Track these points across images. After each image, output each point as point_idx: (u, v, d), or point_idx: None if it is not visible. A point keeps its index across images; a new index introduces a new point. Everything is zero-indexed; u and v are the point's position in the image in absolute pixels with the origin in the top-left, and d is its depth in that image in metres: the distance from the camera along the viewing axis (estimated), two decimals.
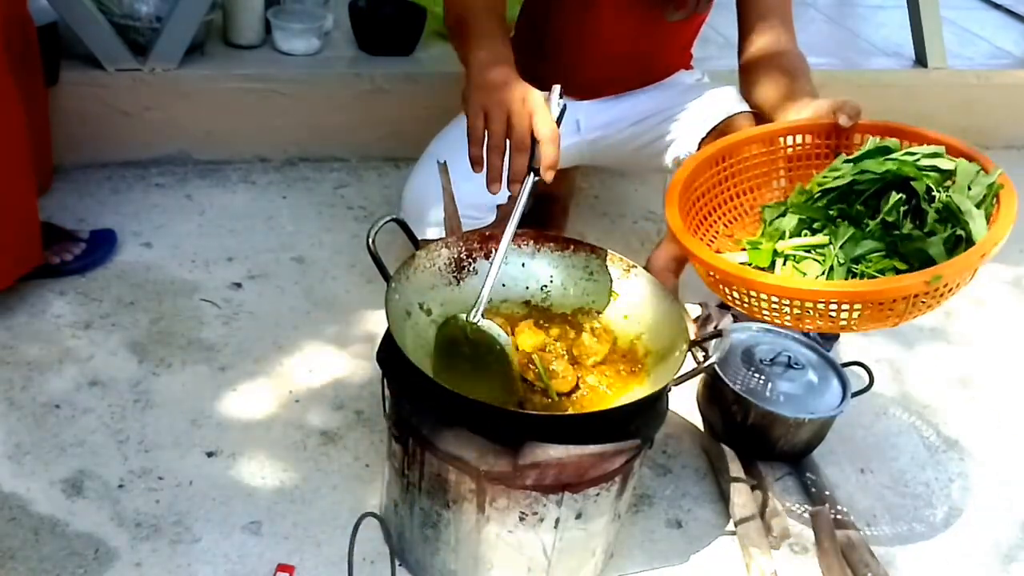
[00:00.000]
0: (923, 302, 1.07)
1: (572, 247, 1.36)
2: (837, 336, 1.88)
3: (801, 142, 1.32)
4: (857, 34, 3.08)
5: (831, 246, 1.16)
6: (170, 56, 2.12)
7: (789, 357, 1.58)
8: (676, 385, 1.18)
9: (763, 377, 1.56)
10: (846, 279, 1.13)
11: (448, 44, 2.45)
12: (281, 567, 1.30)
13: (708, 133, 1.59)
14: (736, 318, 1.77)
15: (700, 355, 1.69)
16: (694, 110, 1.66)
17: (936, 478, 1.66)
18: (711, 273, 1.16)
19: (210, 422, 1.54)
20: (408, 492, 1.25)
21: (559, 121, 1.16)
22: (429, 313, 1.28)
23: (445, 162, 1.35)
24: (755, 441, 1.56)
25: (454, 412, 1.15)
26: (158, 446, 1.48)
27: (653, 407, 1.22)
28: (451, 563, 1.27)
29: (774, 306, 1.11)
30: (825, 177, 1.25)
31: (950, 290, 1.08)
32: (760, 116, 1.53)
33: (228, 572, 1.30)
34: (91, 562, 1.28)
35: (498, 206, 1.64)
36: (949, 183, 1.16)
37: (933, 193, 1.14)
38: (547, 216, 2.08)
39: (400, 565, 1.32)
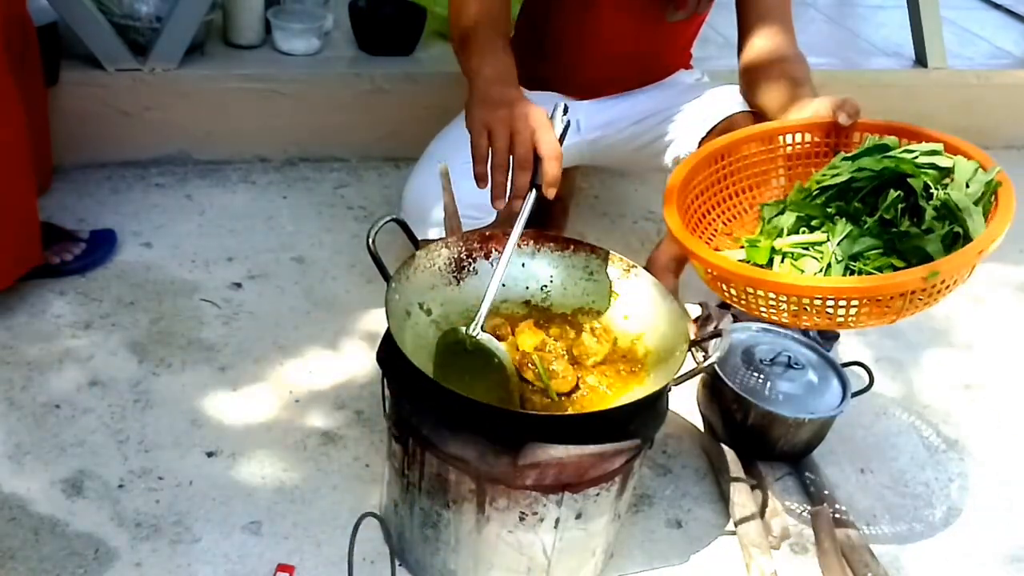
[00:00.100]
0: (920, 299, 1.07)
1: (572, 247, 1.36)
2: (837, 336, 1.88)
3: (800, 141, 1.32)
4: (857, 34, 3.08)
5: (829, 243, 1.16)
6: (170, 56, 2.12)
7: (789, 357, 1.58)
8: (676, 385, 1.18)
9: (763, 377, 1.56)
10: (844, 276, 1.13)
11: (448, 44, 2.47)
12: (281, 567, 1.30)
13: (708, 133, 1.59)
14: (736, 318, 1.77)
15: (700, 355, 1.70)
16: (694, 110, 1.66)
17: (936, 478, 1.66)
18: (709, 270, 1.16)
19: (210, 422, 1.54)
20: (408, 492, 1.25)
21: (562, 138, 1.17)
22: (429, 313, 1.28)
23: (446, 164, 1.35)
24: (755, 441, 1.56)
25: (454, 412, 1.15)
26: (158, 446, 1.48)
27: (653, 407, 1.22)
28: (451, 563, 1.27)
29: (772, 303, 1.11)
30: (823, 175, 1.25)
31: (948, 287, 1.08)
32: (760, 116, 1.52)
33: (228, 572, 1.30)
34: (91, 562, 1.28)
35: None
36: (947, 180, 1.16)
37: (931, 190, 1.14)
38: (547, 216, 2.08)
39: (400, 565, 1.32)
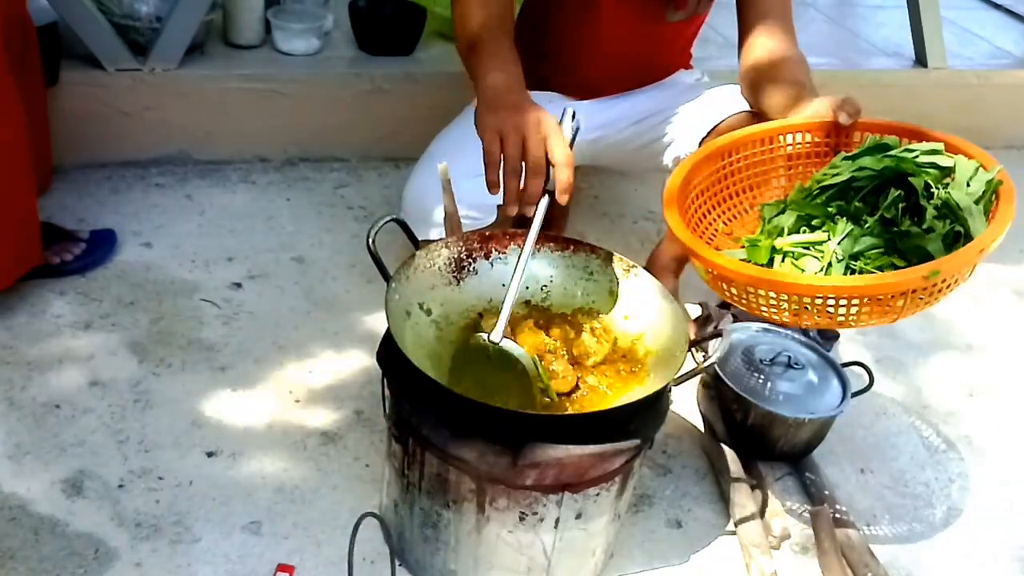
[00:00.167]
0: (921, 298, 1.07)
1: (572, 247, 1.36)
2: (837, 336, 1.88)
3: (801, 140, 1.32)
4: (857, 34, 3.08)
5: (830, 243, 1.16)
6: (170, 56, 2.12)
7: (789, 357, 1.58)
8: (676, 385, 1.18)
9: (763, 377, 1.56)
10: (844, 275, 1.13)
11: (448, 44, 2.48)
12: (281, 567, 1.30)
13: (708, 133, 1.59)
14: (736, 318, 1.77)
15: (700, 355, 1.70)
16: (694, 110, 1.66)
17: (936, 478, 1.66)
18: (710, 270, 1.16)
19: (210, 422, 1.54)
20: (408, 492, 1.25)
21: (572, 143, 1.18)
22: (429, 313, 1.28)
23: (446, 163, 1.35)
24: (755, 441, 1.56)
25: (454, 412, 1.15)
26: (158, 446, 1.48)
27: (653, 407, 1.22)
28: (451, 563, 1.27)
29: (772, 302, 1.11)
30: (824, 174, 1.25)
31: (948, 286, 1.08)
32: (760, 116, 1.52)
33: (228, 572, 1.30)
34: (91, 562, 1.28)
35: (498, 207, 1.64)
36: (948, 180, 1.16)
37: (932, 190, 1.14)
38: (547, 216, 2.08)
39: (400, 565, 1.32)
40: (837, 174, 1.22)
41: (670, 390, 1.20)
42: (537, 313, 1.35)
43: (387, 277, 1.22)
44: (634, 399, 1.18)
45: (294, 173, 2.28)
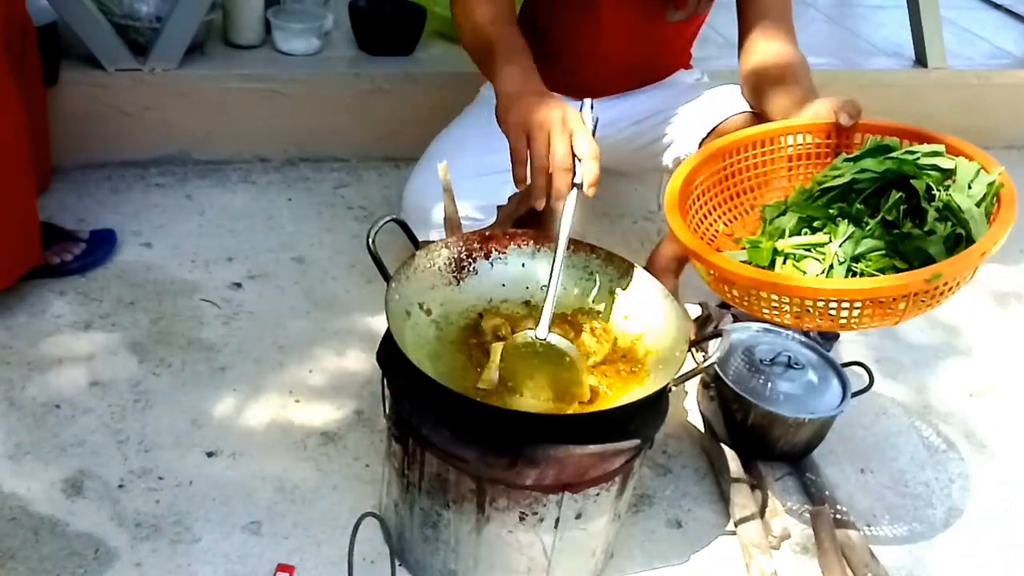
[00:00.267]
0: (923, 301, 1.07)
1: (572, 247, 1.36)
2: (837, 336, 1.88)
3: (802, 142, 1.32)
4: (857, 34, 3.08)
5: (831, 245, 1.16)
6: (170, 56, 2.12)
7: (789, 357, 1.58)
8: (676, 385, 1.18)
9: (763, 377, 1.56)
10: (846, 278, 1.13)
11: (448, 44, 2.48)
12: (281, 567, 1.30)
13: (708, 133, 1.59)
14: (736, 318, 1.77)
15: (700, 355, 1.70)
16: (694, 110, 1.66)
17: (936, 478, 1.66)
18: (711, 271, 1.16)
19: (210, 422, 1.54)
20: (408, 492, 1.25)
21: (593, 134, 1.18)
22: (429, 313, 1.28)
23: (446, 162, 1.35)
24: (755, 441, 1.56)
25: (454, 412, 1.15)
26: (158, 446, 1.48)
27: (653, 407, 1.22)
28: (451, 563, 1.27)
29: (774, 304, 1.11)
30: (825, 176, 1.25)
31: (950, 289, 1.08)
32: (760, 116, 1.52)
33: (228, 572, 1.30)
34: (91, 562, 1.28)
35: (498, 207, 1.64)
36: (949, 182, 1.16)
37: (933, 192, 1.14)
38: (547, 216, 2.08)
39: (400, 565, 1.32)
40: (838, 176, 1.21)
41: (670, 390, 1.20)
42: (537, 313, 1.35)
43: (387, 277, 1.22)
44: (634, 399, 1.18)
45: (294, 173, 2.28)
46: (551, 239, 1.37)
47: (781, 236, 1.21)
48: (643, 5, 1.63)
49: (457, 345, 1.27)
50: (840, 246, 1.15)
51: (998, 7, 3.58)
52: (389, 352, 1.20)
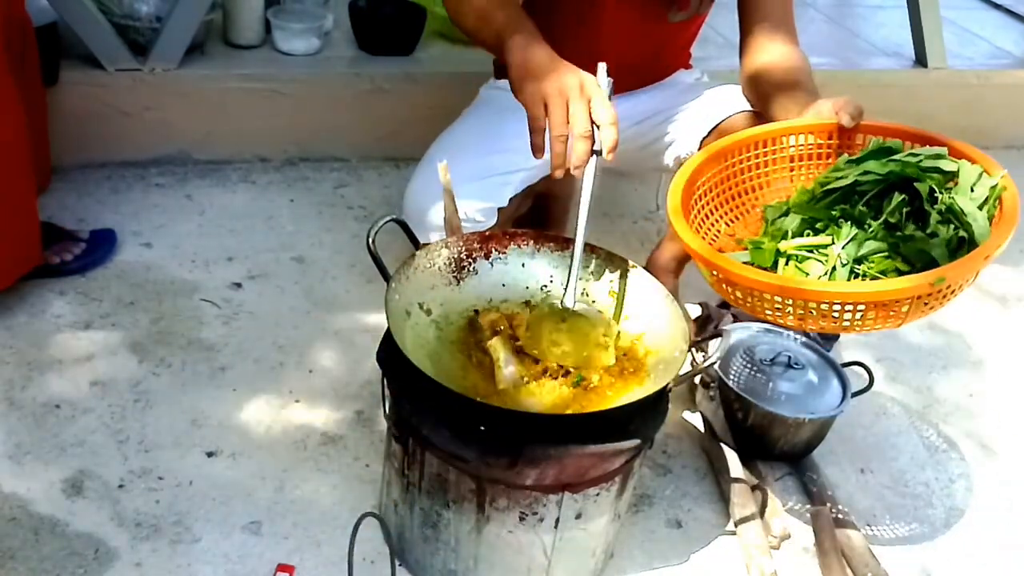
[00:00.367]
0: (926, 303, 1.07)
1: (572, 247, 1.36)
2: (837, 336, 1.88)
3: (804, 142, 1.32)
4: (857, 34, 3.08)
5: (834, 246, 1.16)
6: (170, 56, 2.12)
7: (789, 357, 1.58)
8: (676, 385, 1.18)
9: (763, 377, 1.56)
10: (848, 280, 1.13)
11: (448, 44, 2.47)
12: (281, 567, 1.30)
13: (709, 132, 1.59)
14: (736, 318, 1.77)
15: (700, 355, 1.70)
16: (695, 109, 1.66)
17: (936, 478, 1.66)
18: (714, 272, 1.15)
19: (210, 422, 1.54)
20: (408, 492, 1.25)
21: (608, 98, 1.19)
22: (429, 313, 1.28)
23: (445, 162, 1.34)
24: (755, 441, 1.56)
25: (454, 412, 1.15)
26: (158, 446, 1.48)
27: (653, 407, 1.22)
28: (451, 563, 1.27)
29: (777, 306, 1.11)
30: (827, 178, 1.25)
31: (953, 291, 1.08)
32: (761, 116, 1.52)
33: (228, 572, 1.30)
34: (91, 562, 1.28)
35: (499, 209, 1.64)
36: (951, 184, 1.16)
37: (936, 194, 1.14)
38: (547, 216, 2.08)
39: (400, 565, 1.32)
40: (841, 178, 1.21)
41: (670, 390, 1.20)
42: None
43: (387, 277, 1.22)
44: (634, 399, 1.18)
45: (294, 173, 2.28)
46: (552, 238, 1.37)
47: (784, 237, 1.21)
48: (644, 5, 1.63)
49: (457, 345, 1.27)
50: (843, 248, 1.15)
51: (998, 7, 3.58)
52: (389, 352, 1.20)
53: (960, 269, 1.05)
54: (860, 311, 1.07)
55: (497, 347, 1.23)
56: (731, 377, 1.55)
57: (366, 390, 1.64)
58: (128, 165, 2.18)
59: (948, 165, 1.16)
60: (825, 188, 1.23)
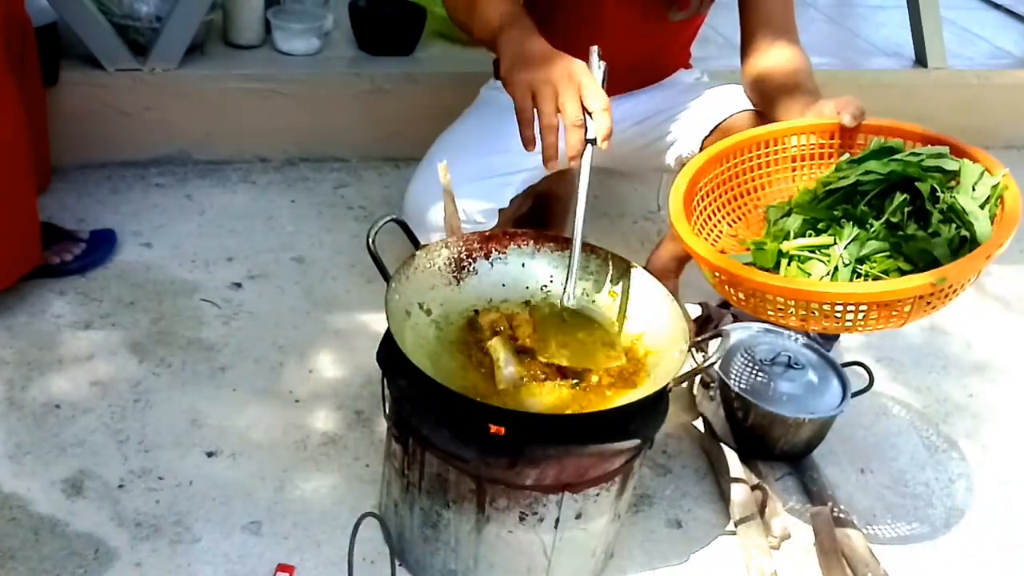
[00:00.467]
0: (928, 303, 1.07)
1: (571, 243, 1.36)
2: (837, 336, 1.88)
3: (806, 142, 1.32)
4: (857, 34, 3.08)
5: (836, 247, 1.16)
6: (170, 56, 2.12)
7: (789, 357, 1.58)
8: (676, 385, 1.18)
9: (763, 377, 1.56)
10: (851, 280, 1.13)
11: (448, 44, 2.47)
12: (281, 567, 1.30)
13: (710, 132, 1.59)
14: (736, 318, 1.77)
15: (700, 355, 1.70)
16: (696, 109, 1.66)
17: (936, 478, 1.66)
18: (717, 274, 1.15)
19: (210, 422, 1.54)
20: (408, 492, 1.25)
21: (602, 84, 1.16)
22: (429, 313, 1.28)
23: (446, 163, 1.34)
24: (755, 441, 1.56)
25: (454, 412, 1.15)
26: (158, 446, 1.48)
27: (653, 407, 1.22)
28: (451, 563, 1.27)
29: (780, 307, 1.11)
30: (829, 178, 1.25)
31: (955, 291, 1.08)
32: (762, 115, 1.52)
33: (228, 572, 1.30)
34: (91, 562, 1.28)
35: (500, 210, 1.64)
36: (953, 183, 1.16)
37: (937, 194, 1.14)
38: (547, 216, 2.08)
39: (400, 565, 1.32)
40: (843, 178, 1.21)
41: (670, 390, 1.20)
42: (537, 313, 1.35)
43: (387, 277, 1.22)
44: (634, 399, 1.18)
45: (294, 173, 2.28)
46: (552, 238, 1.37)
47: (786, 238, 1.21)
48: (645, 5, 1.62)
49: (457, 345, 1.27)
50: (845, 248, 1.15)
51: (998, 7, 3.58)
52: (389, 352, 1.20)
53: (962, 268, 1.05)
54: (863, 311, 1.07)
55: (497, 347, 1.23)
56: (731, 377, 1.55)
57: (366, 390, 1.64)
58: (128, 165, 2.18)
59: (950, 164, 1.16)
60: (827, 188, 1.23)
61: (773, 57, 1.51)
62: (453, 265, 1.32)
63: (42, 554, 1.28)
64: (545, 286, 1.36)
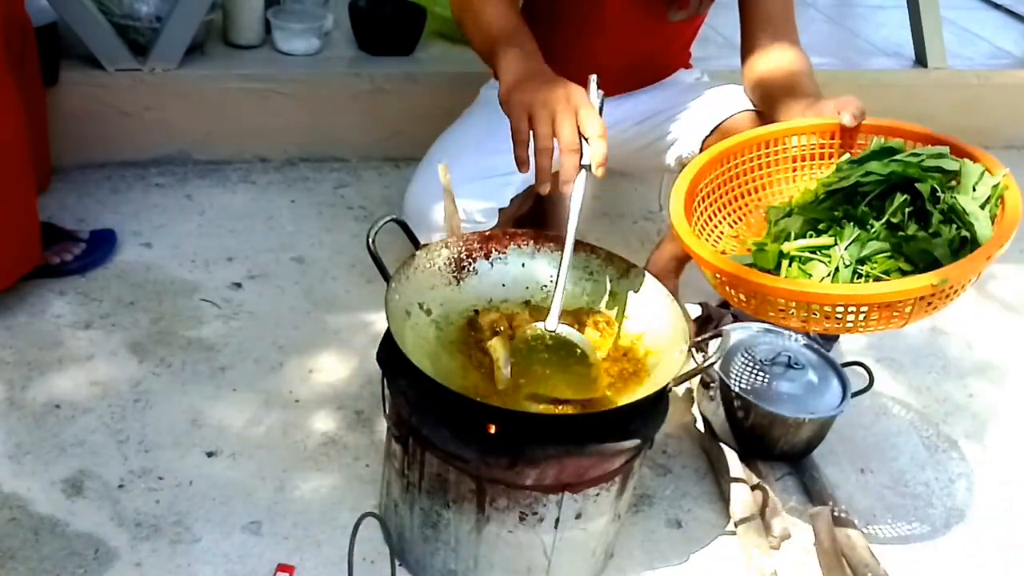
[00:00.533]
0: (929, 303, 1.07)
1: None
2: (837, 336, 1.88)
3: (806, 143, 1.32)
4: (857, 34, 3.08)
5: (837, 247, 1.16)
6: (170, 56, 2.12)
7: (789, 357, 1.58)
8: (676, 385, 1.18)
9: (763, 377, 1.56)
10: (852, 280, 1.13)
11: (448, 44, 2.47)
12: (281, 567, 1.30)
13: (711, 132, 1.59)
14: (736, 318, 1.77)
15: (700, 355, 1.70)
16: (696, 109, 1.66)
17: (936, 478, 1.66)
18: (718, 276, 1.15)
19: (210, 422, 1.54)
20: (408, 492, 1.25)
21: (600, 112, 1.16)
22: (429, 313, 1.28)
23: (446, 163, 1.34)
24: (755, 441, 1.56)
25: (454, 412, 1.15)
26: (158, 446, 1.48)
27: (653, 407, 1.22)
28: (451, 563, 1.27)
29: (781, 308, 1.11)
30: (830, 178, 1.25)
31: (956, 291, 1.08)
32: (762, 115, 1.52)
33: (228, 572, 1.30)
34: (91, 562, 1.28)
35: (500, 210, 1.64)
36: (953, 184, 1.16)
37: (938, 194, 1.14)
38: (548, 216, 2.08)
39: (400, 565, 1.32)
40: (844, 178, 1.21)
41: (670, 390, 1.20)
42: (537, 313, 1.35)
43: (387, 277, 1.22)
44: (634, 399, 1.18)
45: (294, 173, 2.28)
46: (552, 238, 1.37)
47: (787, 238, 1.21)
48: (645, 4, 1.62)
49: (457, 345, 1.27)
50: (846, 249, 1.15)
51: (998, 7, 3.58)
52: (389, 352, 1.20)
53: (963, 269, 1.05)
54: (864, 312, 1.07)
55: (497, 347, 1.23)
56: (731, 377, 1.55)
57: (366, 390, 1.64)
58: (128, 165, 2.18)
59: (950, 164, 1.16)
60: (827, 189, 1.23)
61: (773, 58, 1.51)
62: (453, 265, 1.32)
63: (42, 554, 1.28)
64: (545, 286, 1.36)
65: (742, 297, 1.15)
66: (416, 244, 1.31)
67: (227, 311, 1.79)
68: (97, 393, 1.56)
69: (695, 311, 1.83)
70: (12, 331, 1.66)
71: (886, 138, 1.26)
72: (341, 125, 2.31)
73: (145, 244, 1.94)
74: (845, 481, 1.62)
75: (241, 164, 2.27)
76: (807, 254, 1.18)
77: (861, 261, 1.13)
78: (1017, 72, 2.93)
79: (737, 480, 1.50)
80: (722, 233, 1.30)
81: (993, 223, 1.10)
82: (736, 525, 1.46)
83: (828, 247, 1.17)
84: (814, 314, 1.09)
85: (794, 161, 1.33)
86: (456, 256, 1.32)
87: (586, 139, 1.11)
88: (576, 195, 1.13)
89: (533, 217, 1.94)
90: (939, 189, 1.14)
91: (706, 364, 1.20)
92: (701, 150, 1.58)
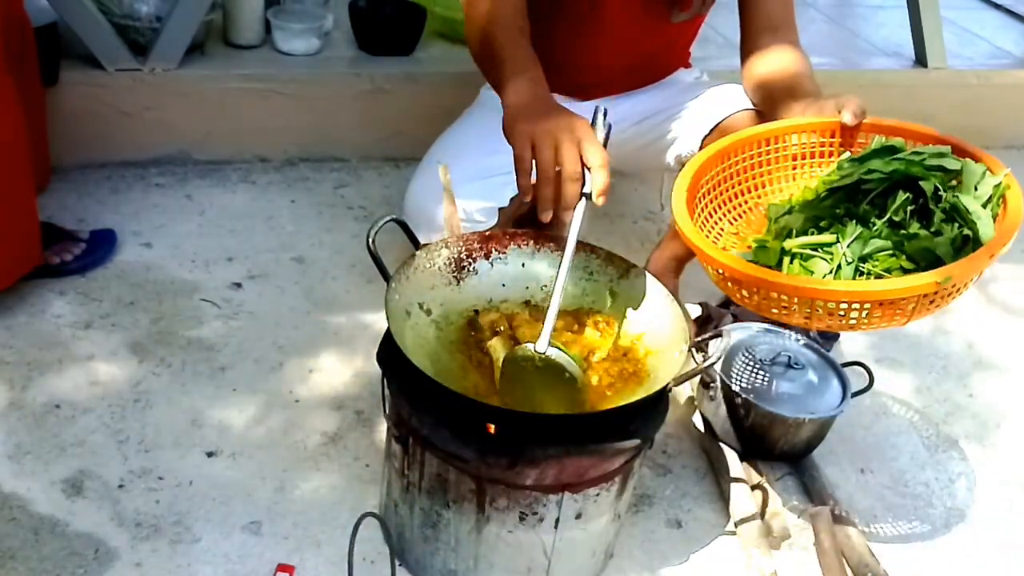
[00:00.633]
0: (931, 301, 1.07)
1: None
2: (837, 336, 1.88)
3: (806, 141, 1.32)
4: (857, 34, 3.08)
5: (839, 245, 1.16)
6: (170, 56, 2.12)
7: (789, 357, 1.58)
8: (676, 385, 1.18)
9: (763, 377, 1.56)
10: (854, 278, 1.13)
11: (448, 44, 2.48)
12: (281, 567, 1.30)
13: (710, 131, 1.59)
14: (736, 318, 1.77)
15: (700, 355, 1.70)
16: (696, 108, 1.66)
17: (936, 478, 1.66)
18: (721, 271, 1.15)
19: (210, 422, 1.54)
20: (408, 492, 1.25)
21: (605, 142, 1.17)
22: (429, 313, 1.28)
23: (446, 164, 1.34)
24: (755, 441, 1.56)
25: (454, 412, 1.15)
26: (158, 446, 1.48)
27: (653, 407, 1.22)
28: (451, 563, 1.27)
29: (784, 304, 1.11)
30: (832, 176, 1.25)
31: (958, 290, 1.08)
32: (762, 114, 1.52)
33: (228, 572, 1.30)
34: (91, 562, 1.28)
35: (499, 209, 1.64)
36: (955, 183, 1.16)
37: (940, 193, 1.14)
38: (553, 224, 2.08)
39: (400, 565, 1.32)
40: (846, 176, 1.21)
41: (670, 390, 1.20)
42: (537, 313, 1.35)
43: (387, 277, 1.22)
44: (634, 399, 1.18)
45: (294, 173, 2.28)
46: (552, 238, 1.37)
47: (788, 235, 1.21)
48: (647, 5, 1.62)
49: (457, 345, 1.27)
50: (848, 246, 1.15)
51: (998, 7, 3.58)
52: (389, 352, 1.20)
53: (966, 268, 1.05)
54: (866, 309, 1.07)
55: (497, 347, 1.23)
56: (732, 377, 1.55)
57: (366, 390, 1.64)
58: (128, 165, 2.18)
59: (952, 163, 1.16)
60: (829, 187, 1.23)
61: (773, 58, 1.51)
62: (453, 265, 1.32)
63: (42, 554, 1.28)
64: (545, 286, 1.36)
65: (745, 293, 1.15)
66: (416, 244, 1.31)
67: (227, 311, 1.79)
68: (97, 393, 1.56)
69: (695, 311, 1.83)
70: (12, 331, 1.66)
71: (886, 137, 1.26)
72: (341, 125, 2.31)
73: (145, 244, 1.94)
74: (845, 481, 1.62)
75: (241, 164, 2.27)
76: (809, 251, 1.18)
77: (863, 259, 1.14)
78: (1017, 72, 2.92)
79: (737, 480, 1.50)
80: (722, 230, 1.30)
81: (995, 222, 1.10)
82: (736, 525, 1.46)
83: (830, 244, 1.17)
84: (817, 310, 1.09)
85: (794, 159, 1.33)
86: (456, 256, 1.32)
87: (588, 168, 1.13)
88: (575, 221, 1.15)
89: (533, 217, 1.94)
90: (941, 188, 1.14)
91: (706, 364, 1.19)
92: (701, 149, 1.58)
